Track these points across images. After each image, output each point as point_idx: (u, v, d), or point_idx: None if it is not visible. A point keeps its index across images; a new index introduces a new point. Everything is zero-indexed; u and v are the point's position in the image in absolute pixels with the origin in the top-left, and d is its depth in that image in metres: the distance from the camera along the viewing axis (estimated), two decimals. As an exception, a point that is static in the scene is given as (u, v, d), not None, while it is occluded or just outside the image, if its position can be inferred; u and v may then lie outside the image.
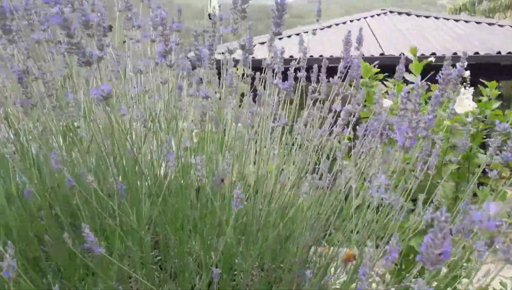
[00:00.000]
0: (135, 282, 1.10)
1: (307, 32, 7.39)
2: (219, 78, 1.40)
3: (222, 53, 1.22)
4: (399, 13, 9.16)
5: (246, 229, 1.14)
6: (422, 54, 6.17)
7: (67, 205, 1.06)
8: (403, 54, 1.42)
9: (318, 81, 1.38)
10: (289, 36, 7.65)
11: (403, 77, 2.46)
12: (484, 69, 5.28)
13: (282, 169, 1.37)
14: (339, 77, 1.26)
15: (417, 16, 8.96)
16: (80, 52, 0.67)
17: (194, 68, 1.24)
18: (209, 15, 1.33)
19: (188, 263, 1.10)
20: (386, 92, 2.75)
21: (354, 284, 1.12)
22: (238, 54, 1.09)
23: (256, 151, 1.34)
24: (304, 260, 1.23)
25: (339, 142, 1.83)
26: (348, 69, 1.26)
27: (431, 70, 1.71)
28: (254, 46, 1.08)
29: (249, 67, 1.10)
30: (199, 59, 1.01)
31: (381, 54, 6.59)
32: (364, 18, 8.82)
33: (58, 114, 1.00)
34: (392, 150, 1.20)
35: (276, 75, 1.22)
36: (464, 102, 1.78)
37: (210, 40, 1.06)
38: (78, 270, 1.04)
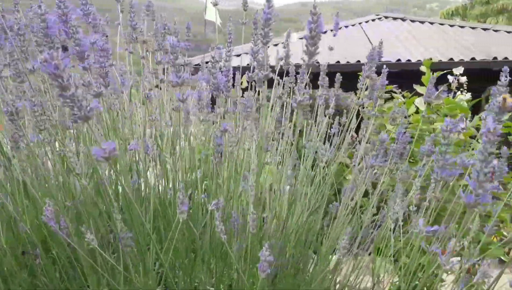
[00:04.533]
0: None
1: (302, 38, 7.36)
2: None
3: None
4: (394, 19, 9.21)
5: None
6: (418, 60, 6.21)
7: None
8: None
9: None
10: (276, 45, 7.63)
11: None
12: (481, 74, 5.30)
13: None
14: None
15: (412, 21, 9.02)
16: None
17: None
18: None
19: None
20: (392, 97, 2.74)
21: None
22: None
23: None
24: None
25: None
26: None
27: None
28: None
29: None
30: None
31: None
32: (359, 23, 8.87)
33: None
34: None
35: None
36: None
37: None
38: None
